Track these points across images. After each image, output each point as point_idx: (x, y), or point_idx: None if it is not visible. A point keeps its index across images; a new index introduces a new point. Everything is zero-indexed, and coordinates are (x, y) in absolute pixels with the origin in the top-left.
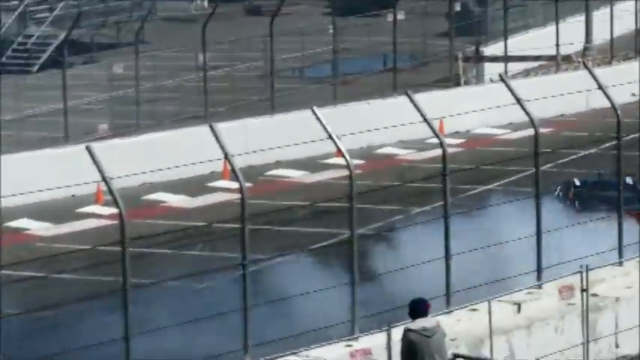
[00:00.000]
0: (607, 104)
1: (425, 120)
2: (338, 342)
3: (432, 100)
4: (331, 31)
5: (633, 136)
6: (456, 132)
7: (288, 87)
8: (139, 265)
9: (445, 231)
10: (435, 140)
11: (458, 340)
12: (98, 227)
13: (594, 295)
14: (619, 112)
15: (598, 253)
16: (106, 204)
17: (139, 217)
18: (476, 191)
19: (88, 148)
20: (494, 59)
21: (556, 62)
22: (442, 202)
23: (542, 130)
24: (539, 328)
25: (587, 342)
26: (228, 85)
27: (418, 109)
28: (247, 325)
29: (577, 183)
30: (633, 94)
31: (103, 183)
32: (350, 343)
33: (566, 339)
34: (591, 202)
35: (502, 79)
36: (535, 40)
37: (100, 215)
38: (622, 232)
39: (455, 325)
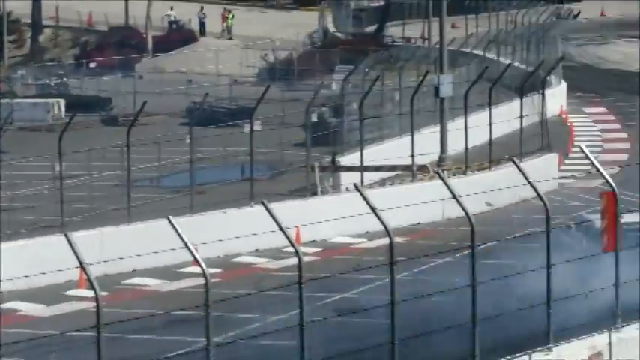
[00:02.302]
0: (462, 214)
1: (280, 229)
2: None
3: (289, 210)
4: (188, 141)
5: (487, 244)
6: (313, 241)
7: (144, 196)
8: None
9: (300, 339)
10: (291, 249)
11: None
12: None
13: None
14: (473, 221)
15: None
16: None
17: None
18: (333, 299)
19: None
20: (350, 169)
21: (411, 172)
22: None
23: (397, 239)
24: None
25: None
26: (85, 194)
27: (274, 218)
28: None
29: None
30: (488, 204)
31: None
32: None
33: None
34: None
35: (357, 189)
36: (391, 151)
37: None
38: None
39: None
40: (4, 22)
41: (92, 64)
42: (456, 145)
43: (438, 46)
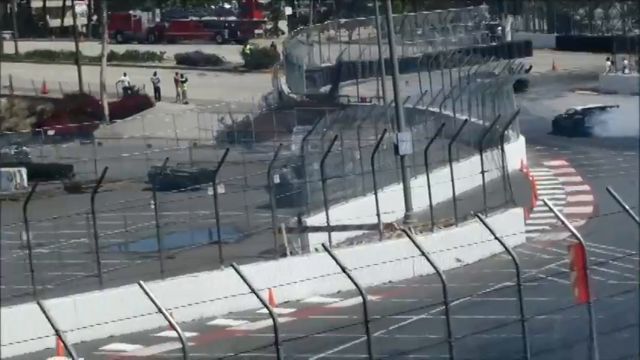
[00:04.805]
0: (433, 270)
1: (253, 291)
2: None
3: (260, 272)
4: (152, 206)
5: (460, 300)
6: (286, 302)
7: (114, 262)
8: None
9: None
10: (266, 310)
11: None
12: None
13: None
14: (444, 277)
15: None
16: None
17: None
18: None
19: None
20: (317, 229)
21: (378, 231)
22: None
23: (370, 298)
24: None
25: None
26: (55, 262)
27: (245, 281)
28: None
29: None
30: (457, 260)
31: None
32: None
33: None
34: None
35: (326, 249)
36: (356, 210)
37: None
38: None
39: None
40: None
41: (50, 132)
42: (419, 202)
43: (393, 104)
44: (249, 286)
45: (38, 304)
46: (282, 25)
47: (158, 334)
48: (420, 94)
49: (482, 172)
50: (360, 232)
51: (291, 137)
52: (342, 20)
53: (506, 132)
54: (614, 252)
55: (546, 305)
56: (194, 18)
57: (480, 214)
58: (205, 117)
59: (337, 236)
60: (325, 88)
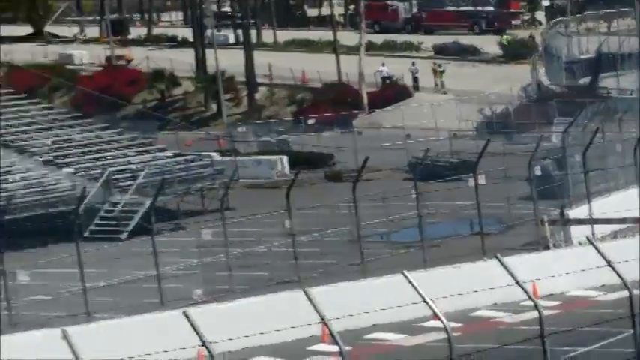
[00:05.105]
0: None
1: (517, 283)
2: None
3: (523, 263)
4: (414, 196)
5: None
6: (550, 294)
7: (376, 252)
8: None
9: None
10: (529, 302)
11: None
12: None
13: None
14: None
15: None
16: None
17: None
18: (576, 353)
19: (185, 313)
20: (580, 222)
21: None
22: None
23: (636, 292)
24: None
25: None
26: (317, 250)
27: (509, 272)
28: None
29: None
30: None
31: (203, 347)
32: None
33: None
34: None
35: (590, 242)
36: (618, 203)
37: None
38: None
39: None
40: (219, 80)
41: (310, 121)
42: None
43: None
44: (514, 278)
45: (304, 291)
46: (540, 15)
47: (421, 324)
48: None
49: None
50: (623, 226)
51: (551, 129)
52: (601, 11)
53: None
54: None
55: None
56: (451, 8)
57: None
58: (464, 107)
59: (600, 229)
60: (585, 80)
